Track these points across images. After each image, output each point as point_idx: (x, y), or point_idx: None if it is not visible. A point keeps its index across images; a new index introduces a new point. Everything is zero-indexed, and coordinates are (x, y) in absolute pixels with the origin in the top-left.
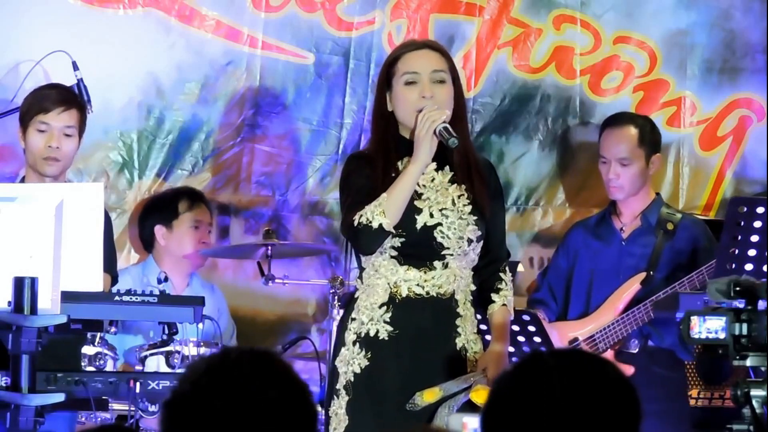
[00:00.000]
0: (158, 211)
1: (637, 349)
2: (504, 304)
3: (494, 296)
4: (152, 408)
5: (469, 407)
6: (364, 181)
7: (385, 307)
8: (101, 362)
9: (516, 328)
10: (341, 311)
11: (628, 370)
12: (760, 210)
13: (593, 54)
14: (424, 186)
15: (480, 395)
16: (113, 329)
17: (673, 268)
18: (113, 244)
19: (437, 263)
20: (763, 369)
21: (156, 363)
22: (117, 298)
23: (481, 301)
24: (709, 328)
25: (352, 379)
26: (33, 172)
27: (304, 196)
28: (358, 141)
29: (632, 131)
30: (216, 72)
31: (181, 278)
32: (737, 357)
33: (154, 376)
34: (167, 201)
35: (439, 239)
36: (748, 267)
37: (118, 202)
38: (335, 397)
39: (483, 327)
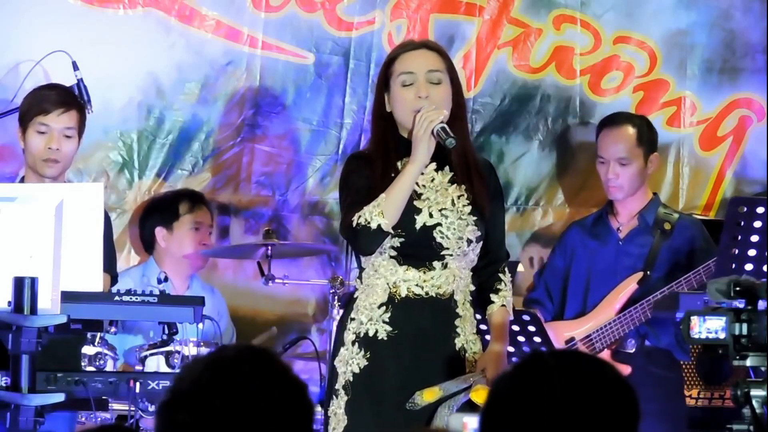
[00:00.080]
0: (158, 212)
1: (633, 349)
2: (503, 305)
3: (493, 297)
4: (152, 408)
5: (469, 407)
6: (364, 182)
7: (384, 307)
8: (101, 362)
9: (516, 328)
10: (341, 311)
11: (625, 369)
12: (760, 210)
13: (593, 54)
14: (423, 186)
15: (480, 395)
16: (113, 329)
17: (670, 268)
18: (113, 244)
19: (436, 263)
20: (763, 369)
21: (156, 363)
22: (117, 298)
23: (481, 301)
24: (709, 328)
25: (351, 379)
26: (32, 172)
27: (304, 196)
28: (358, 141)
29: (630, 131)
30: (216, 72)
31: (181, 280)
32: (737, 357)
33: (154, 376)
34: (167, 203)
35: (438, 239)
36: (748, 267)
37: (118, 202)
38: (334, 397)
39: (483, 327)
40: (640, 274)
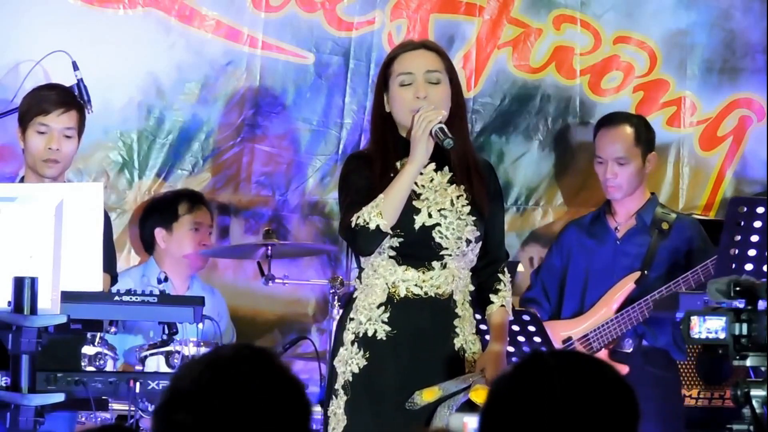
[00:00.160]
0: (158, 213)
1: (631, 349)
2: (502, 305)
3: (493, 297)
4: (152, 408)
5: (468, 407)
6: (363, 182)
7: (383, 307)
8: (101, 362)
9: (516, 328)
10: (341, 311)
11: (623, 369)
12: (760, 210)
13: (593, 54)
14: (422, 186)
15: (479, 395)
16: (113, 329)
17: (667, 267)
18: (113, 244)
19: (435, 263)
20: (763, 369)
21: (156, 363)
22: (117, 298)
23: (480, 301)
24: (709, 328)
25: (351, 379)
26: (32, 172)
27: (304, 196)
28: (358, 141)
29: (628, 130)
30: (216, 72)
31: (181, 280)
32: (737, 357)
33: (154, 376)
34: (167, 203)
35: (437, 239)
36: (748, 267)
37: (118, 202)
38: (334, 397)
39: (484, 327)
40: (637, 274)
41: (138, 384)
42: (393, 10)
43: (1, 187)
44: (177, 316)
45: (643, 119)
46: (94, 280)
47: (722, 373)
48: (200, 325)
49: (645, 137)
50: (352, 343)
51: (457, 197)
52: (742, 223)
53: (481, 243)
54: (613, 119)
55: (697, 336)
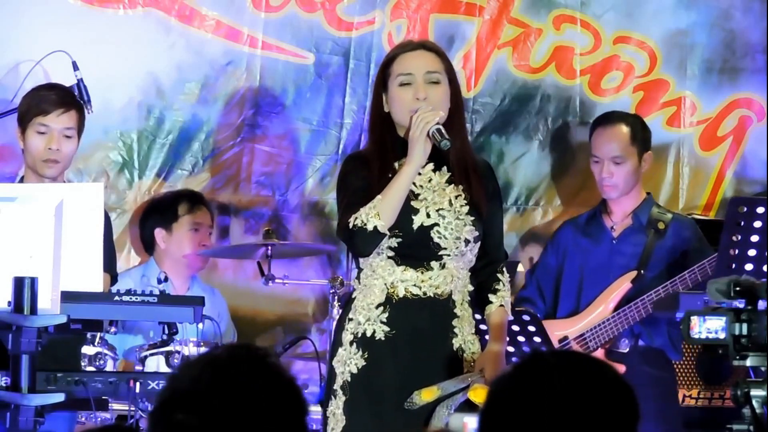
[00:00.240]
0: (158, 213)
1: (627, 349)
2: (501, 305)
3: (492, 297)
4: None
5: (468, 407)
6: (361, 183)
7: (382, 308)
8: (101, 362)
9: (516, 328)
10: (341, 311)
11: (620, 369)
12: (760, 210)
13: (593, 54)
14: (421, 186)
15: (478, 394)
16: (113, 329)
17: (663, 267)
18: (113, 244)
19: (434, 263)
20: (763, 369)
21: (156, 363)
22: (117, 298)
23: (479, 301)
24: (709, 328)
25: (349, 379)
26: (32, 172)
27: (304, 196)
28: (358, 141)
29: (624, 129)
30: (216, 72)
31: (182, 281)
32: (737, 357)
33: (154, 376)
34: (167, 204)
35: (435, 240)
36: (748, 267)
37: (118, 202)
38: (333, 397)
39: (484, 327)
40: (633, 273)
41: (138, 384)
42: (393, 10)
43: (1, 187)
44: (177, 316)
45: (638, 118)
46: (94, 280)
47: (722, 373)
48: (200, 325)
49: (641, 136)
50: (351, 343)
51: (456, 197)
52: (742, 223)
53: (479, 243)
54: (608, 118)
55: (697, 336)
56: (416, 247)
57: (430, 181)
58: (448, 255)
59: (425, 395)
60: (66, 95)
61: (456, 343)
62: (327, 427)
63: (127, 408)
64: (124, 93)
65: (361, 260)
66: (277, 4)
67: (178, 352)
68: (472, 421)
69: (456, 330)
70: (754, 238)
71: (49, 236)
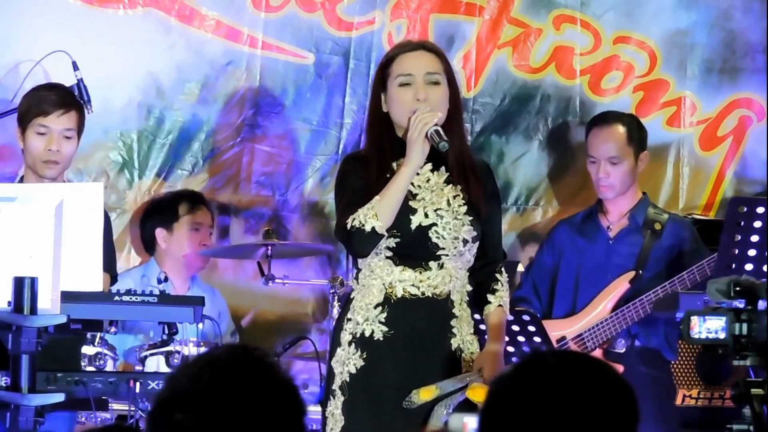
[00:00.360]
0: (158, 213)
1: (624, 349)
2: (500, 305)
3: (490, 297)
4: None
5: (467, 407)
6: (359, 183)
7: (380, 308)
8: (101, 362)
9: (516, 328)
10: (340, 311)
11: (618, 368)
12: (760, 210)
13: (593, 54)
14: (419, 186)
15: (476, 393)
16: (113, 329)
17: (660, 267)
18: (112, 244)
19: (432, 264)
20: (763, 369)
21: (156, 363)
22: (117, 298)
23: (478, 302)
24: (709, 328)
25: (348, 379)
26: (32, 172)
27: (304, 196)
28: (358, 141)
29: (620, 129)
30: (216, 72)
31: (182, 281)
32: (737, 357)
33: (154, 376)
34: (167, 204)
35: (434, 240)
36: (748, 267)
37: (118, 202)
38: (331, 397)
39: (483, 327)
40: (632, 273)
41: (138, 384)
42: (393, 10)
43: (1, 187)
44: (177, 316)
45: (635, 118)
46: (94, 280)
47: (722, 373)
48: (200, 325)
49: (637, 136)
50: (350, 343)
51: (454, 197)
52: (742, 223)
53: (478, 243)
54: (605, 118)
55: (697, 336)
56: (414, 247)
57: (428, 181)
58: (447, 255)
59: (423, 395)
60: (66, 96)
61: (454, 343)
62: (326, 427)
63: (127, 408)
64: (124, 93)
65: (359, 260)
66: (277, 4)
67: (178, 352)
68: (472, 421)
69: (454, 330)
70: (754, 238)
71: (49, 236)
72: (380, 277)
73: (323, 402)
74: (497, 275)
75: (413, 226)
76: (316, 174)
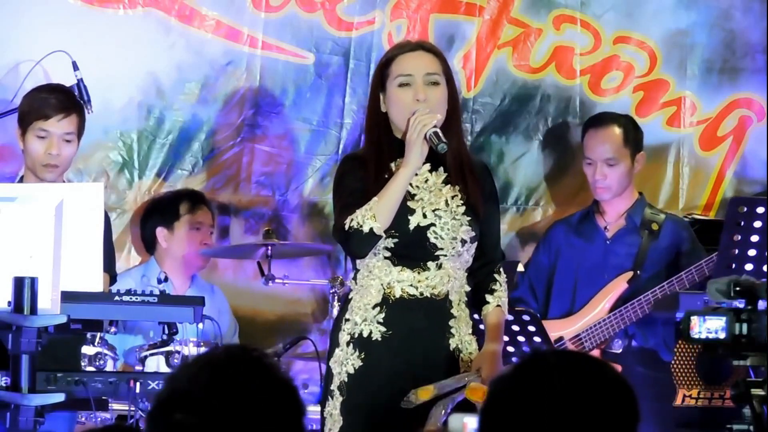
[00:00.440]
0: (159, 213)
1: (621, 350)
2: (498, 305)
3: (488, 297)
4: None
5: (466, 407)
6: (357, 184)
7: (378, 308)
8: (101, 362)
9: (516, 327)
10: (338, 311)
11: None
12: (760, 210)
13: (593, 54)
14: (417, 187)
15: (475, 393)
16: (113, 329)
17: (658, 268)
18: (112, 244)
19: (431, 264)
20: (763, 369)
21: (156, 363)
22: (117, 298)
23: (476, 302)
24: (709, 328)
25: (346, 379)
26: (32, 173)
27: (304, 196)
28: (358, 141)
29: (617, 131)
30: (216, 72)
31: (182, 280)
32: (737, 357)
33: (154, 376)
34: (168, 203)
35: (432, 240)
36: (748, 267)
37: (118, 202)
38: (330, 397)
39: (483, 327)
40: (629, 274)
41: (138, 384)
42: (393, 10)
43: (1, 187)
44: (177, 316)
45: (631, 119)
46: (94, 280)
47: (722, 373)
48: (200, 325)
49: (633, 137)
50: (348, 343)
51: (452, 197)
52: (742, 223)
53: (476, 243)
54: (601, 120)
55: (697, 336)
56: (413, 248)
57: (426, 181)
58: (445, 255)
59: (422, 394)
60: (66, 99)
61: (453, 343)
62: (324, 427)
63: (127, 408)
64: (124, 93)
65: (357, 261)
66: (277, 4)
67: (178, 352)
68: (471, 421)
69: (453, 330)
70: (754, 238)
71: (49, 236)
72: (378, 278)
73: (322, 402)
74: (495, 275)
75: (411, 227)
76: (316, 174)
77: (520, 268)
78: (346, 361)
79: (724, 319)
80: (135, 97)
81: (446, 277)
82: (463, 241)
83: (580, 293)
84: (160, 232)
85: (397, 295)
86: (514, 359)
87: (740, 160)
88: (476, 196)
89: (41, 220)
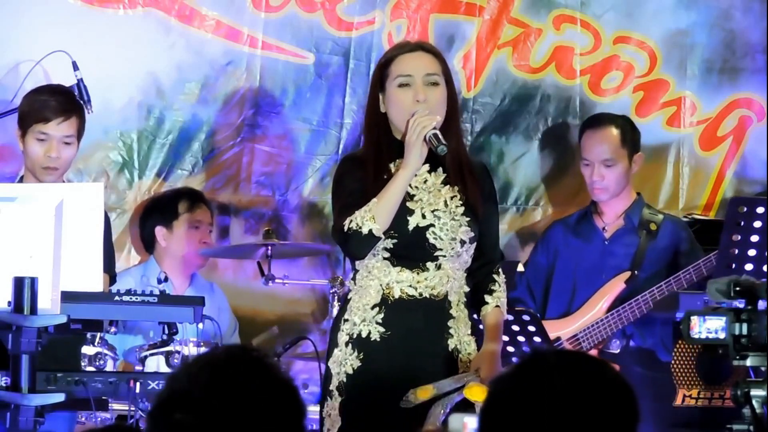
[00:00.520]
0: (158, 212)
1: (618, 350)
2: (497, 306)
3: (487, 297)
4: None
5: (465, 407)
6: (356, 185)
7: (377, 309)
8: (101, 362)
9: (516, 328)
10: (337, 312)
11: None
12: (760, 210)
13: (593, 54)
14: (416, 187)
15: (473, 392)
16: (113, 329)
17: (656, 268)
18: (112, 244)
19: (430, 264)
20: (763, 369)
21: (156, 363)
22: (117, 298)
23: (475, 302)
24: (709, 328)
25: (345, 380)
26: (31, 174)
27: (304, 196)
28: (358, 141)
29: (614, 132)
30: (216, 72)
31: (182, 279)
32: (737, 357)
33: (154, 376)
34: (167, 202)
35: (431, 240)
36: (748, 267)
37: (118, 202)
38: (328, 398)
39: (482, 327)
40: (627, 274)
41: (138, 384)
42: (393, 10)
43: (1, 187)
44: (177, 316)
45: (628, 120)
46: (94, 280)
47: (722, 373)
48: (200, 325)
49: (630, 138)
50: (347, 344)
51: (451, 198)
52: (742, 223)
53: (475, 244)
54: (598, 121)
55: (697, 336)
56: (412, 248)
57: (425, 182)
58: (444, 256)
59: (420, 394)
60: (66, 101)
61: (451, 343)
62: (323, 428)
63: (127, 408)
64: (124, 93)
65: (356, 261)
66: (277, 4)
67: (178, 352)
68: (472, 421)
69: (451, 331)
70: (754, 238)
71: (49, 236)
72: (377, 278)
73: (320, 402)
74: (494, 276)
75: (411, 227)
76: (316, 174)
77: (520, 268)
78: (344, 362)
79: (724, 319)
80: (135, 97)
81: (445, 278)
82: (462, 242)
83: (579, 293)
84: (159, 231)
85: (396, 296)
86: (514, 359)
87: (740, 160)
88: (475, 197)
89: (41, 220)
